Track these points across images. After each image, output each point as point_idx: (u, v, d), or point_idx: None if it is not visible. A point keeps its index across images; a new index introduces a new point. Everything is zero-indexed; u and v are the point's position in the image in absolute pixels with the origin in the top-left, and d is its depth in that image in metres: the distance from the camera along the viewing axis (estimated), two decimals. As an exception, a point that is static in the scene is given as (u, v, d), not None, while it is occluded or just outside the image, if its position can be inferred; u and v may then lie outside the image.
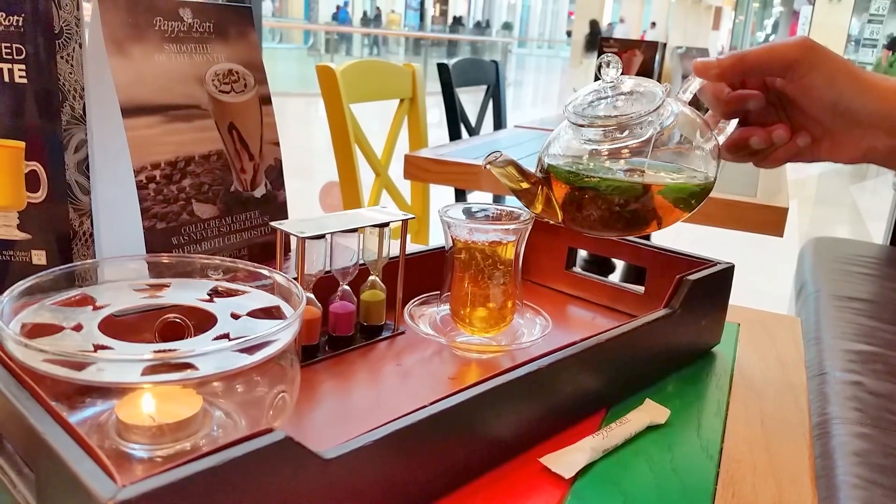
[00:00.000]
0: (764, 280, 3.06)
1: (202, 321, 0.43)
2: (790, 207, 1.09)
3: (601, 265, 1.77)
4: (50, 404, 0.32)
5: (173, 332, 0.45)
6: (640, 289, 0.70)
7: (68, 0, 0.56)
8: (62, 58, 0.56)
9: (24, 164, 0.57)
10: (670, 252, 0.67)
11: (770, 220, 1.08)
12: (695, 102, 0.56)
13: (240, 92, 0.72)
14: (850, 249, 1.88)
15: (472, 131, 2.02)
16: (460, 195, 2.01)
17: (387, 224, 0.58)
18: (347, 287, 0.58)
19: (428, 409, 0.39)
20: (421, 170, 1.28)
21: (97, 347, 0.38)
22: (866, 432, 0.99)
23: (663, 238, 0.88)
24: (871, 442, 0.97)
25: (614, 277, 1.77)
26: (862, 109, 0.54)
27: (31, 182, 0.58)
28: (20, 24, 0.55)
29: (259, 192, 0.74)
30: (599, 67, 0.54)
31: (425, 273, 0.65)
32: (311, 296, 0.54)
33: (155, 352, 0.39)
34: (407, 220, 0.59)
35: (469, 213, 0.61)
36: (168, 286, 0.47)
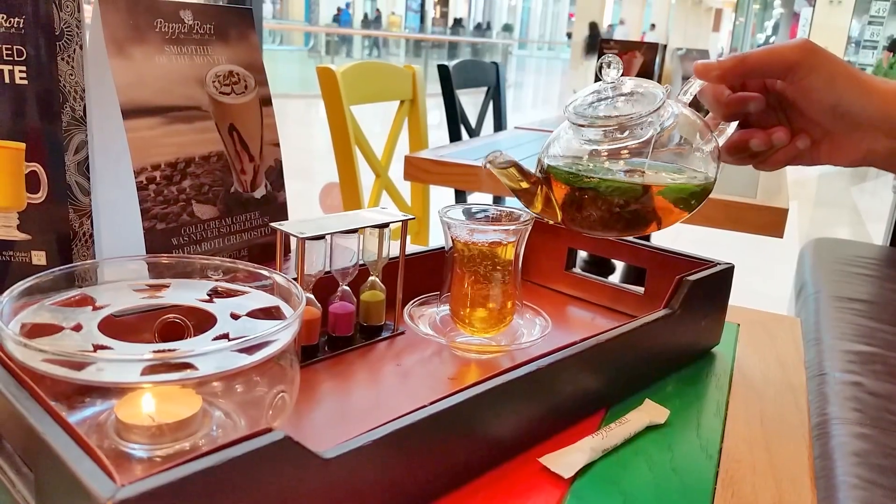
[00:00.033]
0: (764, 281, 3.06)
1: (202, 321, 0.43)
2: (790, 208, 1.09)
3: (601, 266, 1.77)
4: (49, 404, 0.32)
5: (173, 332, 0.46)
6: (640, 289, 0.70)
7: (69, 2, 0.56)
8: (63, 59, 0.56)
9: (25, 165, 0.57)
10: (670, 253, 0.67)
11: (770, 221, 1.08)
12: (695, 104, 0.56)
13: (240, 93, 0.72)
14: (850, 250, 1.88)
15: (473, 133, 2.02)
16: (460, 196, 2.01)
17: (386, 225, 0.58)
18: (347, 287, 0.58)
19: (427, 409, 0.39)
20: (421, 171, 1.28)
21: (97, 347, 0.38)
22: (866, 433, 0.99)
23: (663, 239, 0.88)
24: (870, 442, 0.97)
25: (614, 278, 1.77)
26: (862, 112, 0.54)
27: (32, 183, 0.58)
28: (21, 25, 0.55)
29: (259, 193, 0.74)
30: (600, 68, 0.55)
31: (425, 273, 0.65)
32: (311, 296, 0.54)
33: (154, 352, 0.39)
34: (407, 220, 0.59)
35: (469, 214, 0.61)
36: (168, 286, 0.47)
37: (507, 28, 28.83)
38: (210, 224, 0.69)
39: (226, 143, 0.70)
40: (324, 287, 0.56)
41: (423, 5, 26.51)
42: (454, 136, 1.95)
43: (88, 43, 0.60)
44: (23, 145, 0.57)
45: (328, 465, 0.34)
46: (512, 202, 0.61)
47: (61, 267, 0.43)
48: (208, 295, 0.46)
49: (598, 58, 0.58)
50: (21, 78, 0.56)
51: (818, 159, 0.58)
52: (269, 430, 0.31)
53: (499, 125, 2.23)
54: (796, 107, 0.56)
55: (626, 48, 2.01)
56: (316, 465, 0.34)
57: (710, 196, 0.56)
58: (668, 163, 0.54)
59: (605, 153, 0.54)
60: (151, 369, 0.36)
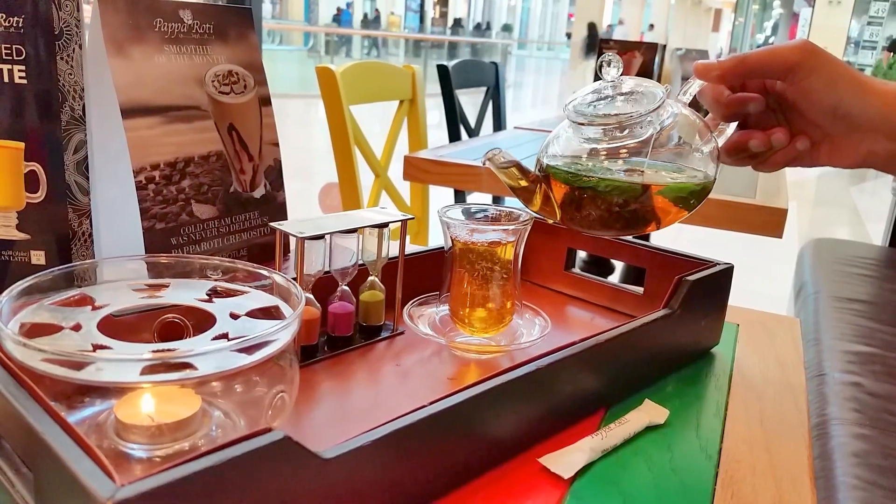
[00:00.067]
0: (763, 281, 3.06)
1: (201, 321, 0.43)
2: (789, 209, 1.10)
3: (600, 266, 1.77)
4: (49, 404, 0.32)
5: (172, 332, 0.45)
6: (640, 289, 0.70)
7: (68, 1, 0.56)
8: (62, 59, 0.56)
9: (24, 165, 0.57)
10: (669, 253, 0.67)
11: (769, 222, 1.08)
12: (694, 105, 0.56)
13: (239, 93, 0.72)
14: (850, 251, 1.88)
15: (472, 133, 2.02)
16: (460, 196, 2.01)
17: (386, 225, 0.58)
18: (346, 287, 0.58)
19: (427, 409, 0.39)
20: (420, 171, 1.28)
21: (96, 347, 0.38)
22: (865, 433, 0.99)
23: (662, 239, 0.88)
24: (870, 443, 0.97)
25: (613, 278, 1.77)
26: (862, 113, 0.54)
27: (31, 182, 0.58)
28: (20, 25, 0.55)
29: (258, 193, 0.74)
30: (600, 67, 0.55)
31: (424, 273, 0.65)
32: (311, 296, 0.54)
33: (154, 351, 0.39)
34: (406, 220, 0.59)
35: (468, 214, 0.61)
36: (167, 286, 0.47)
37: (507, 28, 28.83)
38: (209, 224, 0.69)
39: (225, 143, 0.70)
40: (323, 287, 0.56)
41: (422, 5, 26.52)
42: (453, 136, 1.95)
43: (88, 42, 0.60)
44: (22, 145, 0.57)
45: (328, 465, 0.34)
46: (511, 202, 0.61)
47: (60, 266, 0.43)
48: (207, 295, 0.46)
49: (598, 58, 0.58)
50: (20, 77, 0.56)
51: (817, 161, 0.58)
52: (268, 430, 0.31)
53: (498, 125, 2.23)
54: (796, 108, 0.56)
55: (625, 48, 2.01)
56: (315, 465, 0.34)
57: (710, 196, 0.56)
58: (667, 162, 0.54)
59: (605, 152, 0.54)
60: (151, 369, 0.36)
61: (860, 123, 0.54)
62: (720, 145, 0.57)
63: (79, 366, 0.35)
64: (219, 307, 0.44)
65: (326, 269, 0.56)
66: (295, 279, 0.51)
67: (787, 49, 0.53)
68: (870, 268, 1.75)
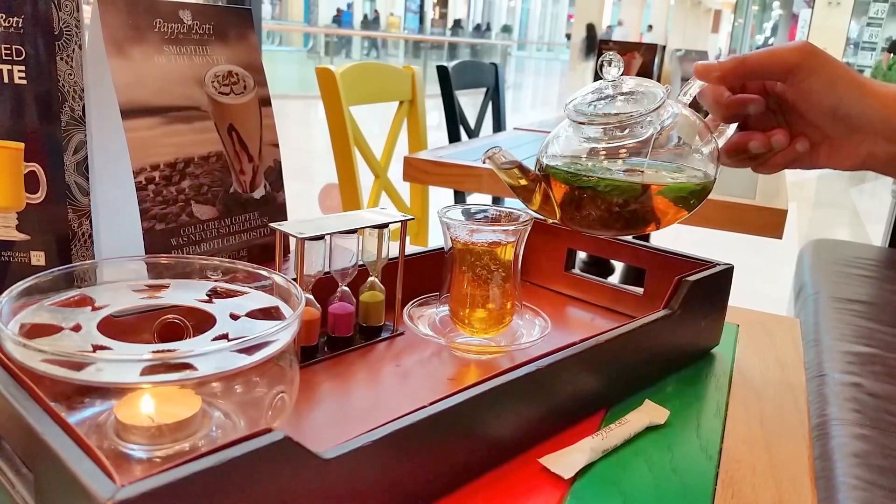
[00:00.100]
0: (763, 282, 3.06)
1: (201, 322, 0.43)
2: (789, 209, 1.10)
3: (600, 266, 1.77)
4: (49, 404, 0.32)
5: (172, 332, 0.45)
6: (640, 290, 0.70)
7: (68, 2, 0.56)
8: (62, 59, 0.56)
9: (24, 165, 0.57)
10: (669, 253, 0.67)
11: (769, 222, 1.08)
12: (694, 106, 0.56)
13: (239, 94, 0.72)
14: (850, 251, 1.88)
15: (472, 133, 2.02)
16: (459, 197, 2.01)
17: (386, 225, 0.58)
18: (346, 288, 0.58)
19: (427, 410, 0.39)
20: (420, 172, 1.28)
21: (96, 348, 0.38)
22: (865, 433, 0.99)
23: (662, 239, 0.88)
24: (870, 443, 0.97)
25: (613, 279, 1.77)
26: (861, 115, 0.54)
27: (31, 183, 0.58)
28: (20, 25, 0.55)
29: (258, 194, 0.74)
30: (601, 66, 0.55)
31: (424, 274, 0.65)
32: (311, 297, 0.54)
33: (154, 352, 0.39)
34: (406, 221, 0.59)
35: (468, 214, 0.61)
36: (167, 287, 0.47)
37: (507, 29, 28.85)
38: (209, 224, 0.69)
39: (225, 144, 0.70)
40: (323, 287, 0.56)
41: (421, 6, 26.53)
42: (453, 137, 1.95)
43: (87, 43, 0.60)
44: (22, 145, 0.57)
45: (328, 466, 0.34)
46: (511, 203, 0.61)
47: (60, 267, 0.43)
48: (207, 295, 0.46)
49: (598, 59, 0.58)
50: (20, 78, 0.56)
51: (817, 163, 0.58)
52: (268, 431, 0.31)
53: (498, 126, 2.23)
54: (796, 109, 0.56)
55: (624, 49, 2.01)
56: (315, 466, 0.34)
57: (710, 197, 0.56)
58: (667, 162, 0.54)
59: (605, 151, 0.54)
60: (151, 370, 0.36)
61: (860, 125, 0.54)
62: (720, 146, 0.57)
63: (79, 366, 0.35)
64: (219, 308, 0.44)
65: (326, 269, 0.56)
66: (295, 280, 0.51)
67: (787, 50, 0.53)
68: (869, 269, 1.75)
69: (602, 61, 0.54)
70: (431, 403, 0.40)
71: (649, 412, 0.52)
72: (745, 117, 0.58)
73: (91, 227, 0.60)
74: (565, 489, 0.43)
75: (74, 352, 0.37)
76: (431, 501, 0.41)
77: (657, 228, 0.56)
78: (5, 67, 0.55)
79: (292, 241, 0.53)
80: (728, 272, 0.63)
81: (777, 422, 0.54)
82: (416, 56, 17.40)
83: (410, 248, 0.66)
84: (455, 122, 1.95)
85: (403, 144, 1.80)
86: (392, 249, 0.60)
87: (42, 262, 0.59)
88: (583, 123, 0.53)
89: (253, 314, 0.44)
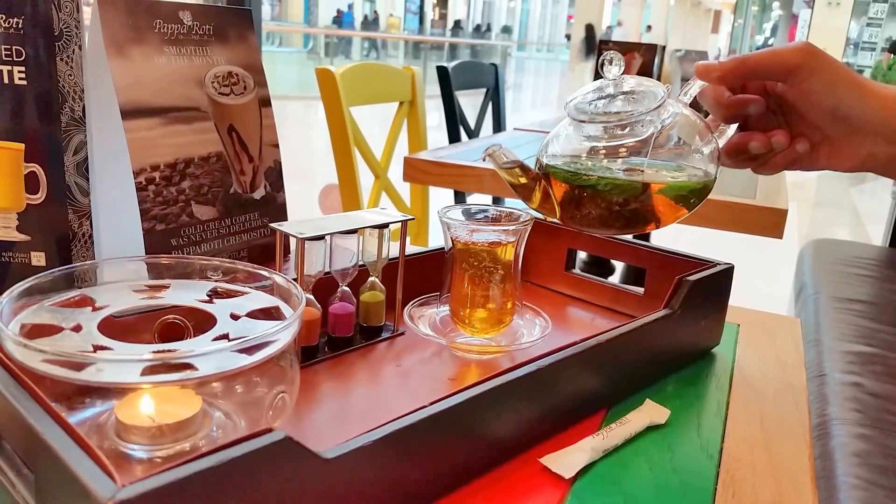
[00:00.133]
0: (763, 282, 3.06)
1: (201, 322, 0.43)
2: (790, 209, 1.10)
3: (600, 266, 1.77)
4: (49, 405, 0.32)
5: (172, 332, 0.45)
6: (640, 290, 0.70)
7: (68, 2, 0.56)
8: (62, 60, 0.56)
9: (24, 166, 0.57)
10: (670, 253, 0.67)
11: (769, 222, 1.08)
12: (694, 106, 0.56)
13: (239, 94, 0.72)
14: (850, 251, 1.88)
15: (472, 134, 2.02)
16: (459, 197, 2.01)
17: (386, 225, 0.58)
18: (347, 288, 0.58)
19: (427, 410, 0.39)
20: (420, 172, 1.28)
21: (96, 348, 0.38)
22: (866, 433, 0.99)
23: (663, 239, 0.88)
24: (870, 443, 0.97)
25: (614, 279, 1.77)
26: (861, 116, 0.54)
27: (31, 184, 0.58)
28: (20, 26, 0.55)
29: (258, 194, 0.74)
30: (602, 65, 0.55)
31: (425, 274, 0.65)
32: (311, 297, 0.54)
33: (154, 352, 0.39)
34: (406, 221, 0.59)
35: (468, 214, 0.61)
36: (167, 287, 0.47)
37: (506, 30, 28.86)
38: (209, 225, 0.69)
39: (225, 144, 0.70)
40: (323, 288, 0.56)
41: (421, 7, 26.53)
42: (453, 138, 1.95)
43: (87, 43, 0.60)
44: (22, 146, 0.57)
45: (328, 466, 0.34)
46: (511, 203, 0.61)
47: (61, 268, 0.43)
48: (208, 295, 0.46)
49: (598, 59, 0.58)
50: (20, 78, 0.56)
51: (817, 164, 0.58)
52: (269, 431, 0.31)
53: (498, 126, 2.23)
54: (796, 110, 0.56)
55: (625, 49, 2.01)
56: (316, 466, 0.34)
57: (710, 197, 0.56)
58: (667, 162, 0.54)
59: (605, 150, 0.54)
60: (151, 370, 0.36)
61: (860, 126, 0.54)
62: (720, 146, 0.57)
63: (79, 366, 0.35)
64: (219, 308, 0.44)
65: (327, 269, 0.56)
66: (295, 280, 0.51)
67: (788, 51, 0.53)
68: (870, 268, 1.75)
69: (603, 60, 0.54)
70: (432, 403, 0.40)
71: (650, 412, 0.52)
72: (745, 118, 0.58)
73: (91, 227, 0.60)
74: (566, 489, 0.43)
75: (75, 352, 0.37)
76: (432, 501, 0.41)
77: (657, 227, 0.56)
78: (5, 68, 0.55)
79: (292, 242, 0.53)
80: (728, 272, 0.63)
81: (778, 421, 0.54)
82: (416, 57, 17.40)
83: (411, 248, 0.66)
84: (455, 123, 1.95)
85: (403, 145, 1.80)
86: (392, 249, 0.60)
87: (42, 263, 0.59)
88: (583, 122, 0.53)
89: (253, 314, 0.44)
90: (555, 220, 0.58)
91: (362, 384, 0.54)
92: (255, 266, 0.47)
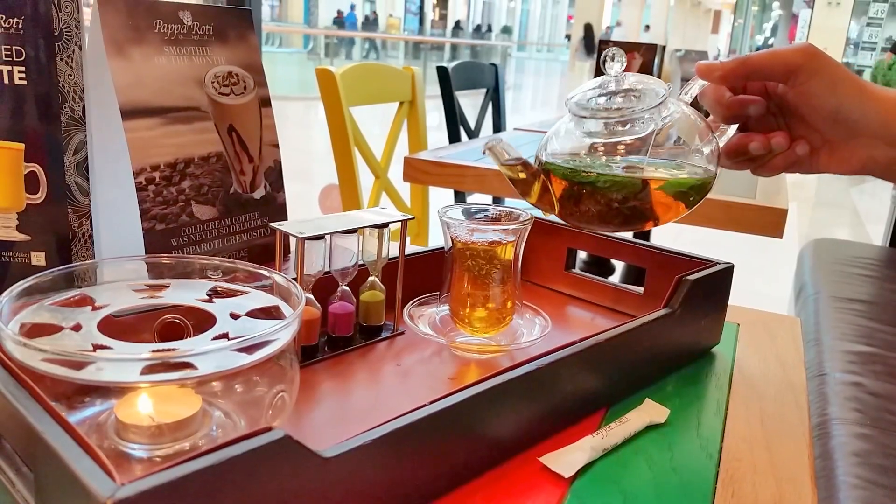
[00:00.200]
0: (763, 281, 3.06)
1: (201, 321, 0.43)
2: (790, 209, 1.10)
3: (601, 266, 1.78)
4: (49, 404, 0.32)
5: (172, 332, 0.45)
6: (640, 289, 0.70)
7: (68, 2, 0.56)
8: (62, 60, 0.56)
9: (24, 166, 0.57)
10: (670, 252, 0.67)
11: (769, 222, 1.08)
12: (695, 106, 0.57)
13: (239, 94, 0.72)
14: (850, 251, 1.88)
15: (472, 134, 2.02)
16: (459, 197, 2.01)
17: (386, 225, 0.58)
18: (347, 288, 0.58)
19: (427, 409, 0.39)
20: (420, 172, 1.28)
21: (96, 347, 0.38)
22: (866, 433, 0.99)
23: (663, 239, 0.88)
24: (870, 442, 0.97)
25: (614, 278, 1.77)
26: (862, 119, 0.54)
27: (31, 183, 0.58)
28: (20, 26, 0.55)
29: (258, 194, 0.74)
30: (604, 62, 0.55)
31: (425, 274, 0.65)
32: (311, 296, 0.54)
33: (154, 351, 0.39)
34: (406, 220, 0.59)
35: (468, 214, 0.61)
36: (167, 287, 0.47)
37: (506, 30, 28.86)
38: (209, 225, 0.69)
39: (225, 144, 0.70)
40: (323, 287, 0.56)
41: (421, 8, 26.54)
42: (453, 138, 1.95)
43: (88, 43, 0.60)
44: (22, 146, 0.57)
45: (328, 465, 0.34)
46: (512, 202, 0.61)
47: (60, 267, 0.43)
48: (208, 295, 0.46)
49: (598, 59, 0.59)
50: (20, 78, 0.56)
51: (817, 167, 0.58)
52: (268, 430, 0.31)
53: (498, 126, 2.24)
54: (797, 112, 0.56)
55: (625, 49, 2.01)
56: (315, 465, 0.34)
57: (710, 197, 0.56)
58: (667, 159, 0.54)
59: (605, 147, 0.54)
60: (151, 369, 0.36)
61: (860, 129, 0.54)
62: (720, 146, 0.57)
63: (79, 366, 0.35)
64: (219, 307, 0.44)
65: (326, 269, 0.56)
66: (295, 279, 0.51)
67: (790, 51, 0.53)
68: (870, 268, 1.75)
69: (605, 56, 0.54)
70: (431, 402, 0.40)
71: (649, 411, 0.52)
72: (745, 119, 0.58)
73: (91, 227, 0.60)
74: (565, 488, 0.43)
75: (75, 351, 0.37)
76: (431, 500, 0.41)
77: (656, 225, 0.56)
78: (5, 68, 0.55)
79: (292, 241, 0.53)
80: (728, 271, 0.63)
81: (777, 421, 0.54)
82: (416, 57, 17.41)
83: (410, 248, 0.66)
84: (455, 123, 1.95)
85: (403, 145, 1.80)
86: (392, 249, 0.60)
87: (42, 263, 0.59)
88: (584, 117, 0.53)
89: (253, 314, 0.44)
90: (554, 220, 0.58)
91: (362, 384, 0.54)
92: (255, 266, 0.47)
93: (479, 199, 2.22)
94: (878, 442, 0.97)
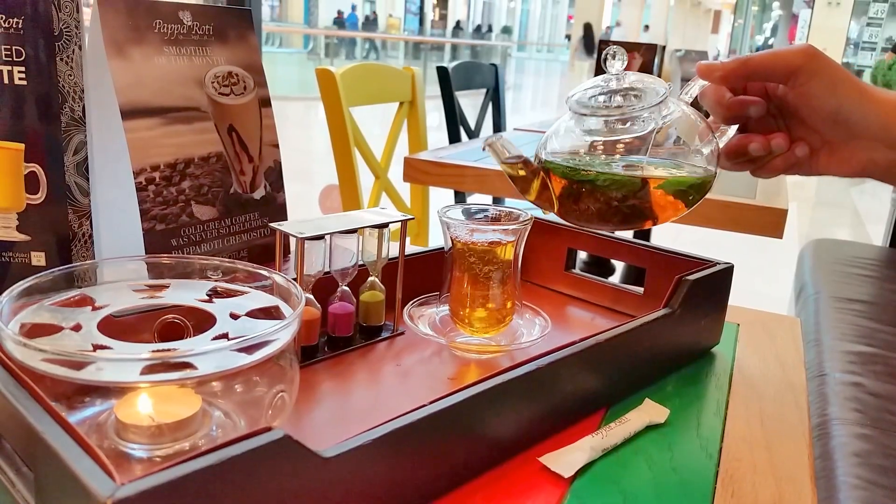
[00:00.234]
0: (763, 282, 3.06)
1: (201, 321, 0.43)
2: (790, 209, 1.10)
3: (600, 266, 1.78)
4: (49, 404, 0.32)
5: (172, 332, 0.45)
6: (640, 289, 0.70)
7: (68, 2, 0.56)
8: (62, 60, 0.56)
9: (24, 166, 0.57)
10: (669, 252, 0.67)
11: (769, 222, 1.08)
12: (695, 106, 0.57)
13: (239, 94, 0.72)
14: (850, 251, 1.88)
15: (472, 134, 2.02)
16: (459, 197, 2.01)
17: (386, 225, 0.58)
18: (347, 288, 0.58)
19: (427, 409, 0.39)
20: (420, 172, 1.28)
21: (96, 347, 0.38)
22: (866, 433, 0.99)
23: (663, 239, 0.88)
24: (871, 443, 0.97)
25: (614, 279, 1.77)
26: (862, 120, 0.54)
27: (31, 184, 0.58)
28: (20, 26, 0.55)
29: (258, 194, 0.74)
30: (605, 60, 0.55)
31: (424, 274, 0.65)
32: (311, 296, 0.54)
33: (154, 351, 0.39)
34: (406, 220, 0.59)
35: (468, 214, 0.61)
36: (167, 287, 0.47)
37: (507, 30, 28.87)
38: (209, 225, 0.69)
39: (225, 144, 0.70)
40: (323, 287, 0.56)
41: (421, 8, 26.54)
42: (453, 138, 1.95)
43: (87, 44, 0.60)
44: (22, 146, 0.57)
45: (328, 465, 0.34)
46: (512, 202, 0.61)
47: (61, 267, 0.43)
48: (208, 295, 0.46)
49: (598, 59, 0.59)
50: (20, 78, 0.56)
51: (816, 168, 0.58)
52: (268, 430, 0.31)
53: (498, 127, 2.24)
54: (797, 114, 0.56)
55: (625, 49, 2.01)
56: (315, 465, 0.34)
57: (710, 197, 0.56)
58: (667, 158, 0.54)
59: (605, 145, 0.54)
60: (151, 369, 0.36)
61: (860, 130, 0.54)
62: (720, 147, 0.57)
63: (79, 366, 0.35)
64: (219, 307, 0.44)
65: (326, 269, 0.56)
66: (295, 280, 0.51)
67: (790, 52, 0.53)
68: (870, 268, 1.75)
69: (606, 54, 0.54)
70: (431, 402, 0.40)
71: (649, 411, 0.52)
72: (745, 120, 0.58)
73: (91, 227, 0.60)
74: (565, 488, 0.43)
75: (75, 351, 0.37)
76: (431, 500, 0.41)
77: (655, 224, 0.56)
78: (5, 68, 0.55)
79: (292, 241, 0.53)
80: (728, 271, 0.63)
81: (777, 421, 0.54)
82: (416, 57, 17.40)
83: (410, 248, 0.66)
84: (455, 123, 1.95)
85: (403, 145, 1.80)
86: (392, 249, 0.60)
87: (42, 263, 0.59)
88: (585, 115, 0.53)
89: (253, 314, 0.44)
90: (552, 220, 0.58)
91: (362, 384, 0.54)
92: (255, 266, 0.47)
93: (479, 199, 2.21)
94: (879, 442, 0.97)
